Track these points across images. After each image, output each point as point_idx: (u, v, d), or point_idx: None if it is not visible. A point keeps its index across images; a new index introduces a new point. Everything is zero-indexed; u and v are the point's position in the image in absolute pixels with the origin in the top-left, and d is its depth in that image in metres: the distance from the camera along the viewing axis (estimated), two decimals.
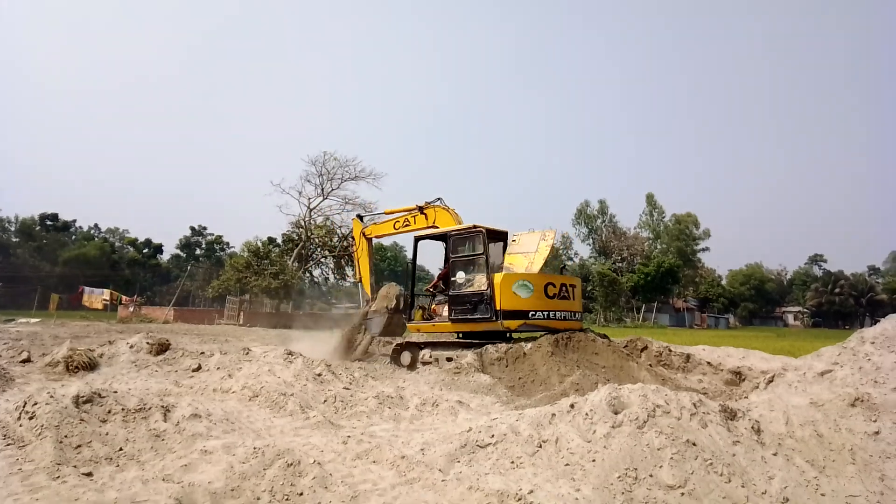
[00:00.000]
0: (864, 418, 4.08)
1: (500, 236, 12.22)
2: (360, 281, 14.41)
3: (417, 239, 12.46)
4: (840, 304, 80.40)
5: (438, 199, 12.58)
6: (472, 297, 10.93)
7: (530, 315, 10.42)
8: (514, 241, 11.82)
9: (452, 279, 11.46)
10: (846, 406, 4.25)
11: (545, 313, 10.50)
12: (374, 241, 14.53)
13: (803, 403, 4.45)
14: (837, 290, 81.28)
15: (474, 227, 11.46)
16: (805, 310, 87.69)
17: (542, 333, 10.17)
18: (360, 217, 14.88)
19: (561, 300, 10.74)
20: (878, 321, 5.90)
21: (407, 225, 12.89)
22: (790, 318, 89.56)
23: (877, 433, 3.90)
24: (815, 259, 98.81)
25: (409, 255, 12.85)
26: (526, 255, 11.36)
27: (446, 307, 11.44)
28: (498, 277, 10.63)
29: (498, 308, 10.44)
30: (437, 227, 12.21)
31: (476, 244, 11.35)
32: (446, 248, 11.92)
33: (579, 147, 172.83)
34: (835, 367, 5.26)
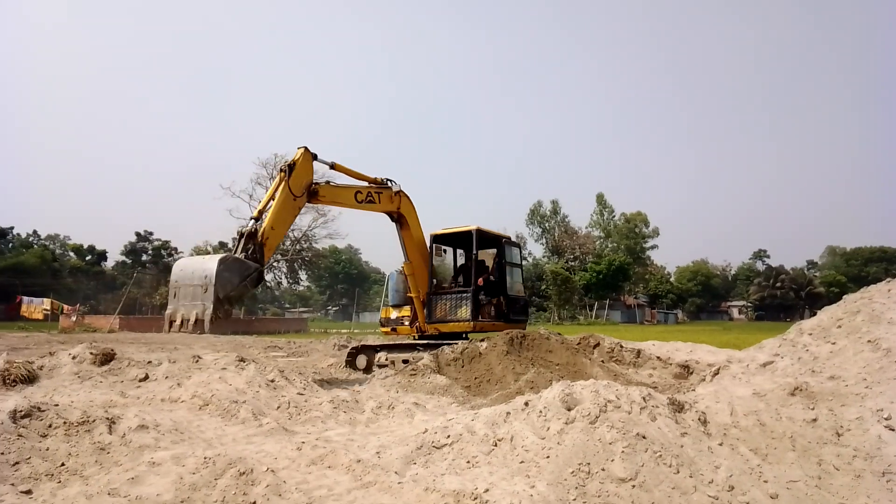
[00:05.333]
0: (802, 406, 4.26)
1: None
2: (265, 235, 8.84)
3: (437, 238, 12.24)
4: (781, 298, 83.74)
5: (390, 180, 11.52)
6: (521, 300, 12.82)
7: None
8: None
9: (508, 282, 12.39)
10: (786, 395, 4.43)
11: None
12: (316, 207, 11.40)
13: (747, 394, 4.61)
14: (779, 285, 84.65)
15: (510, 237, 13.12)
16: (749, 304, 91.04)
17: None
18: (315, 156, 10.04)
19: None
20: (816, 313, 6.18)
21: (371, 202, 11.05)
22: (735, 312, 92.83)
23: (814, 420, 4.07)
24: (759, 254, 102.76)
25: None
26: None
27: (494, 307, 11.91)
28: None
29: None
30: (404, 216, 11.73)
31: (516, 253, 13.10)
32: (473, 247, 11.82)
33: (534, 148, 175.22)
34: (776, 358, 5.49)
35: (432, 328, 11.49)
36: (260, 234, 8.59)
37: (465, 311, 11.39)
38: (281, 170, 9.33)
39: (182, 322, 7.68)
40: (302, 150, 9.68)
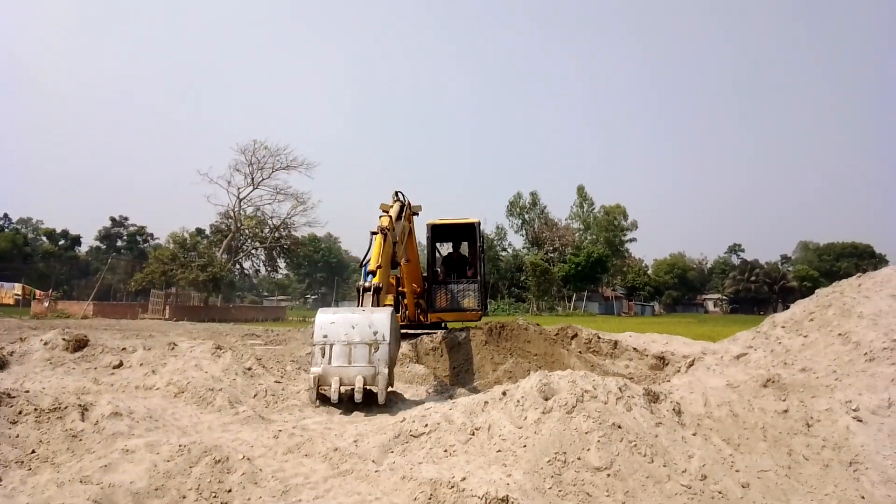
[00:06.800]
0: (774, 398, 4.34)
1: None
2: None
3: (435, 228, 11.99)
4: (755, 291, 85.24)
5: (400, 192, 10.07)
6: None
7: None
8: None
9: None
10: (759, 387, 4.50)
11: None
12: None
13: (720, 385, 4.68)
14: (753, 278, 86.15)
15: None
16: (724, 297, 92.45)
17: None
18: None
19: None
20: (789, 307, 6.29)
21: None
22: (710, 305, 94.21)
23: (786, 411, 4.15)
24: (734, 248, 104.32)
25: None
26: None
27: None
28: None
29: None
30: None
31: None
32: (477, 239, 12.03)
33: (512, 139, 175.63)
34: (749, 350, 5.57)
35: (435, 317, 11.58)
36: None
37: (472, 301, 11.52)
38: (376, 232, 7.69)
39: (340, 388, 5.83)
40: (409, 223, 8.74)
